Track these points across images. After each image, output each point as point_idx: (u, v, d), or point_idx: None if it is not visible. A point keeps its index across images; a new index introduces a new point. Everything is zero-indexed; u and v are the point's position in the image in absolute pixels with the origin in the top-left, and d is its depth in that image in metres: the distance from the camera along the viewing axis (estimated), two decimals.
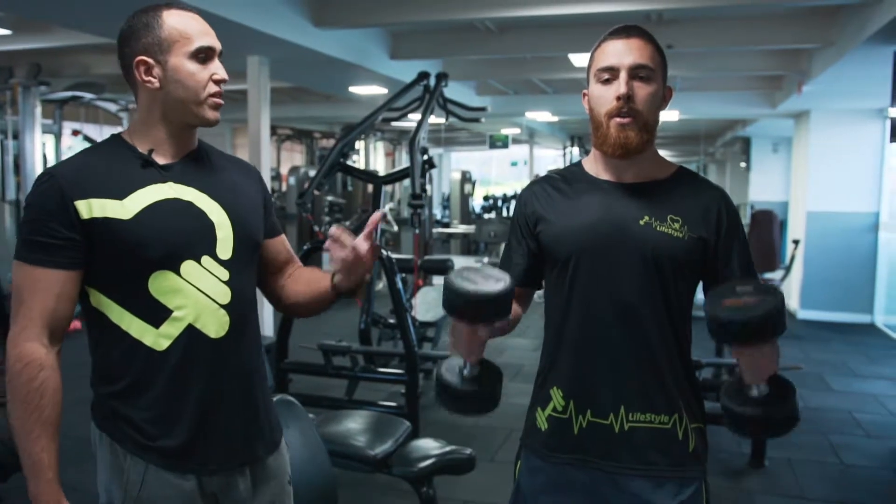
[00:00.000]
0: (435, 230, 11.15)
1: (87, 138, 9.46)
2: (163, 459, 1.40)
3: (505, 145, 11.92)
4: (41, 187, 1.36)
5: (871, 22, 4.36)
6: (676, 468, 1.53)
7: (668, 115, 9.56)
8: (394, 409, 4.19)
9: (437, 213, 14.30)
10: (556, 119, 11.25)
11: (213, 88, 1.41)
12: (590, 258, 1.53)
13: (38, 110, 6.78)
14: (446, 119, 5.83)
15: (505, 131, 12.87)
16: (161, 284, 1.37)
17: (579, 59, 6.57)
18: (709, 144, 16.42)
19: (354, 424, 2.99)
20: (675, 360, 1.54)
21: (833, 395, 5.51)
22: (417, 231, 4.83)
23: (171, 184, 1.42)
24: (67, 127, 8.56)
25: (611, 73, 1.48)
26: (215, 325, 1.42)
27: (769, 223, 8.17)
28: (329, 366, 4.56)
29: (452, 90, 6.96)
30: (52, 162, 8.19)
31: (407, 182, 4.95)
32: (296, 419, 2.39)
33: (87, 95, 7.31)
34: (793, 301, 8.67)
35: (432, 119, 5.20)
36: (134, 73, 1.40)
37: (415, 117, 5.20)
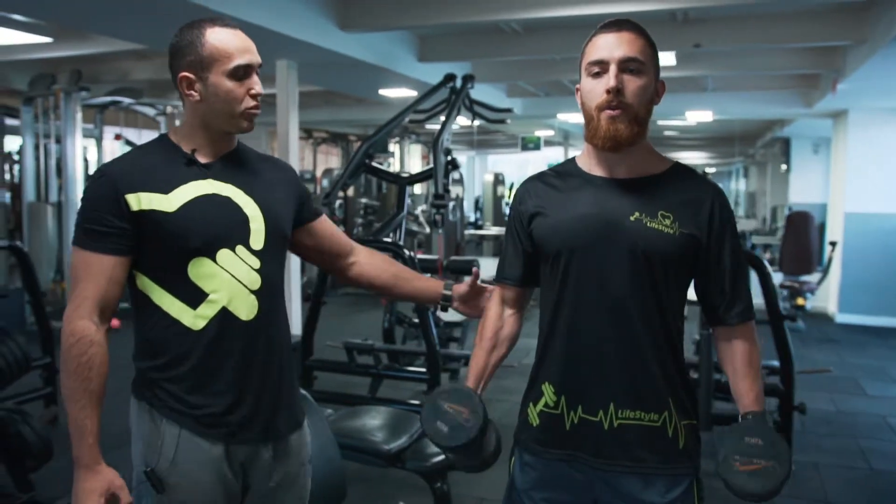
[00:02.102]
0: (467, 232, 11.17)
1: (128, 142, 9.73)
2: (196, 426, 1.53)
3: (537, 147, 11.88)
4: (97, 182, 1.51)
5: None
6: (666, 465, 1.53)
7: (702, 116, 9.43)
8: (416, 407, 4.23)
9: (470, 215, 14.31)
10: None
11: (249, 103, 1.55)
12: (580, 253, 1.53)
13: (79, 115, 6.99)
14: (472, 120, 5.86)
15: (538, 133, 12.83)
16: (199, 270, 1.51)
17: None
18: (747, 146, 16.11)
19: (371, 420, 3.03)
20: (666, 357, 1.53)
21: (867, 400, 5.38)
22: (441, 231, 4.86)
23: (210, 180, 1.56)
24: (108, 131, 8.82)
25: (601, 67, 1.48)
26: (246, 308, 1.55)
27: (805, 225, 8.03)
28: (353, 363, 4.63)
29: (482, 92, 7.00)
30: (94, 165, 8.44)
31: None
32: (307, 413, 2.45)
33: (126, 100, 7.53)
34: (830, 304, 8.49)
35: (465, 122, 5.23)
36: (179, 85, 1.55)
37: (461, 121, 5.21)
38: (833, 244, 8.15)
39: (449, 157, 4.84)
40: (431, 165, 4.84)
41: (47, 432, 3.37)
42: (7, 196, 7.80)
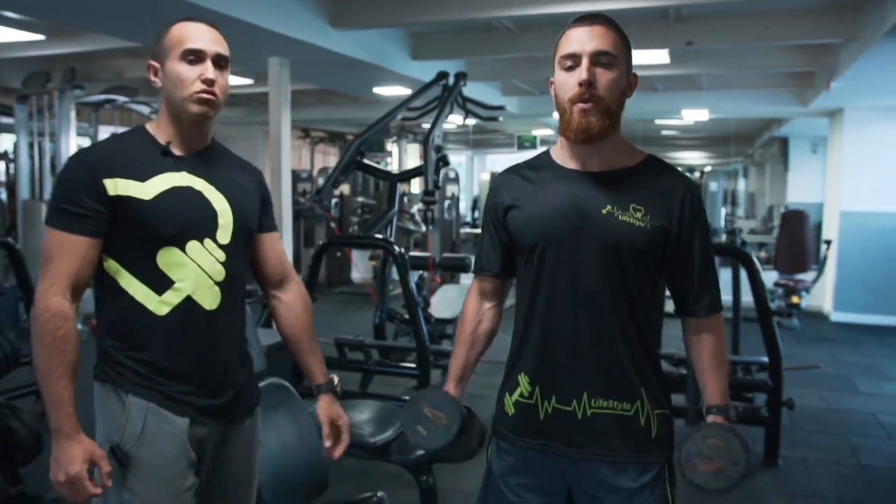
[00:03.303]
0: (463, 231, 11.19)
1: None
2: (163, 399, 1.58)
3: (533, 146, 11.89)
4: (74, 164, 1.58)
5: (893, 14, 4.27)
6: (638, 453, 1.56)
7: (698, 115, 9.44)
8: (402, 404, 4.24)
9: (467, 214, 14.32)
10: None
11: (198, 87, 1.57)
12: (554, 246, 1.56)
13: (73, 113, 6.99)
14: (465, 118, 5.87)
15: (535, 132, 12.84)
16: (168, 259, 1.57)
17: None
18: (746, 146, 16.12)
19: (358, 413, 3.03)
20: (637, 347, 1.56)
21: (858, 397, 5.38)
22: (430, 228, 4.86)
23: (184, 173, 1.62)
24: (104, 131, 8.82)
25: (573, 60, 1.50)
26: (209, 298, 1.62)
27: (800, 223, 8.03)
28: (343, 359, 4.65)
29: (477, 91, 7.01)
30: None
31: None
32: (288, 402, 2.46)
33: (121, 98, 7.51)
34: (826, 303, 8.49)
35: (458, 120, 5.23)
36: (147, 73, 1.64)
37: (456, 120, 5.22)
38: (828, 242, 8.15)
39: (440, 154, 4.84)
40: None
41: (37, 426, 3.39)
42: (2, 194, 7.80)
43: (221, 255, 1.63)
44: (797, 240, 7.94)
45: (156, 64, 1.61)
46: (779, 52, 6.56)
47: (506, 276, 1.71)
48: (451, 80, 5.46)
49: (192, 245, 1.59)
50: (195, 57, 1.57)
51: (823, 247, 8.20)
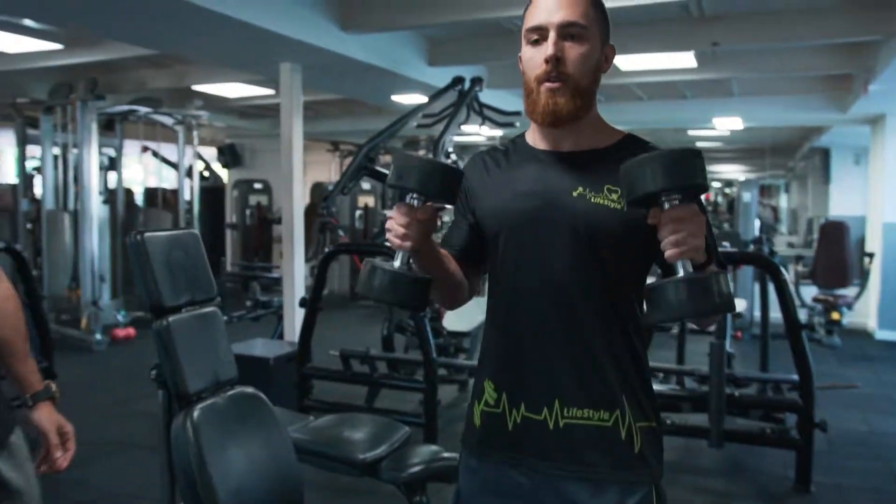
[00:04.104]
0: None
1: (155, 154, 9.81)
2: None
3: None
4: None
5: None
6: (618, 471, 1.36)
7: (730, 123, 9.14)
8: (405, 417, 4.09)
9: None
10: None
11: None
12: (518, 234, 1.40)
13: (94, 124, 7.02)
14: (481, 124, 5.71)
15: None
16: None
17: (625, 62, 6.34)
18: (786, 158, 15.64)
19: (351, 428, 2.89)
20: (618, 348, 1.38)
21: None
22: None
23: None
24: (129, 142, 8.92)
25: (539, 34, 1.36)
26: None
27: (840, 236, 7.67)
28: (348, 372, 4.51)
29: (497, 97, 6.84)
30: (113, 174, 8.48)
31: None
32: (258, 413, 2.29)
33: (143, 109, 7.54)
34: (870, 320, 8.08)
35: (477, 128, 5.07)
36: None
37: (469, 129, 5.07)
38: (870, 256, 7.77)
39: (451, 160, 4.68)
40: None
41: (31, 434, 3.30)
42: (28, 204, 7.87)
43: None
44: (836, 253, 7.59)
45: None
46: (812, 53, 6.25)
47: (471, 261, 1.52)
48: (466, 86, 5.30)
49: None
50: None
51: (866, 260, 7.82)
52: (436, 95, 5.31)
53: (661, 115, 8.76)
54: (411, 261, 1.34)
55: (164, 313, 2.10)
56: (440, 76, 6.27)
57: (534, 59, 1.36)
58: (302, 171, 5.77)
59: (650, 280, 1.27)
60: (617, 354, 1.37)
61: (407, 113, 5.18)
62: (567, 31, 1.33)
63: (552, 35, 1.33)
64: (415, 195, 1.31)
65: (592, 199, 1.35)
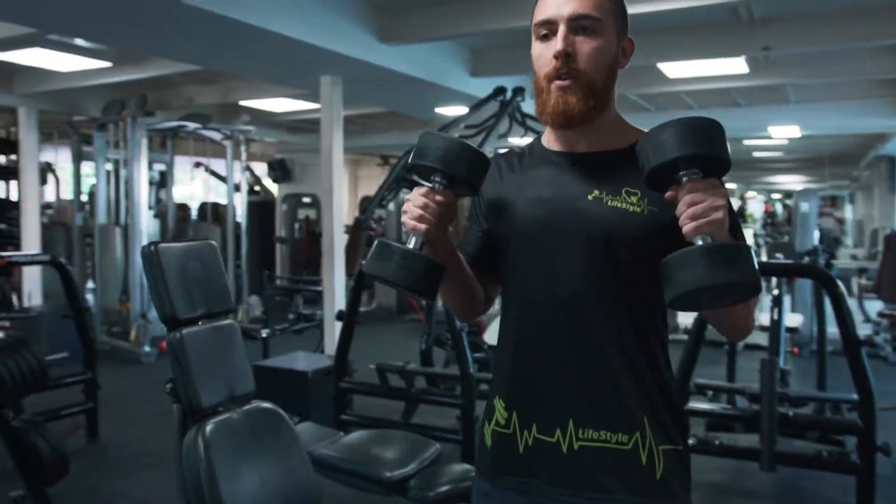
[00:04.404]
0: None
1: (208, 169, 10.00)
2: None
3: None
4: None
5: None
6: (638, 498, 1.25)
7: (787, 131, 8.80)
8: (447, 434, 3.99)
9: None
10: None
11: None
12: (529, 242, 1.31)
13: (144, 140, 7.17)
14: (524, 134, 5.61)
15: None
16: None
17: (672, 69, 6.15)
18: (850, 167, 15.05)
19: (380, 444, 2.83)
20: (638, 365, 1.27)
21: None
22: None
23: None
24: (179, 158, 9.11)
25: (549, 28, 1.27)
26: None
27: None
28: (384, 386, 4.43)
29: None
30: (164, 189, 8.66)
31: None
32: (274, 429, 2.24)
33: (191, 125, 7.68)
34: None
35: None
36: None
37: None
38: None
39: None
40: None
41: (62, 447, 3.33)
42: (83, 218, 8.08)
43: None
44: None
45: None
46: (872, 56, 5.96)
47: (485, 269, 1.43)
48: (508, 96, 5.22)
49: None
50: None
51: None
52: (476, 106, 5.24)
53: None
54: (424, 248, 1.26)
55: (178, 325, 2.07)
56: (483, 87, 6.19)
57: (543, 55, 1.27)
58: (343, 185, 5.75)
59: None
60: (636, 371, 1.26)
61: (447, 124, 5.12)
62: (578, 25, 1.24)
63: (562, 29, 1.24)
64: (437, 178, 1.23)
65: (609, 203, 1.26)
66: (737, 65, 5.85)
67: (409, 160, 1.27)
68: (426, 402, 4.35)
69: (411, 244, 1.24)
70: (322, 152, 5.62)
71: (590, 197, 1.27)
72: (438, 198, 1.23)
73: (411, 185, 4.97)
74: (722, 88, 6.88)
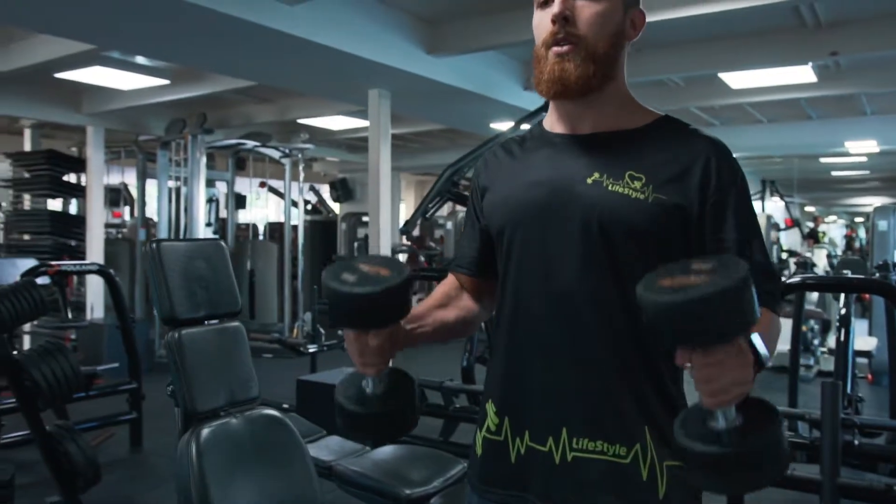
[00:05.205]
0: None
1: (271, 189, 10.18)
2: None
3: None
4: None
5: None
6: None
7: (867, 146, 8.32)
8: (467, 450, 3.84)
9: None
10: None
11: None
12: (523, 230, 1.19)
13: (203, 158, 7.34)
14: None
15: None
16: None
17: (735, 80, 5.88)
18: None
19: (405, 460, 2.73)
20: (638, 370, 1.13)
21: None
22: None
23: None
24: (248, 178, 9.31)
25: None
26: None
27: None
28: (423, 403, 4.32)
29: None
30: (225, 206, 8.84)
31: None
32: (279, 438, 2.14)
33: (250, 143, 7.82)
34: None
35: None
36: None
37: None
38: None
39: None
40: None
41: (93, 454, 3.34)
42: (146, 234, 8.31)
43: None
44: None
45: None
46: None
47: (486, 275, 1.31)
48: None
49: None
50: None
51: None
52: (524, 119, 5.09)
53: (784, 139, 8.11)
54: (383, 383, 1.14)
55: (179, 325, 2.01)
56: (538, 100, 6.07)
57: (542, 22, 1.17)
58: (390, 199, 5.70)
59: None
60: (636, 377, 1.13)
61: (493, 137, 5.00)
62: None
63: None
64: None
65: (610, 187, 1.12)
66: (804, 73, 5.54)
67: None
68: (465, 420, 4.21)
69: (369, 387, 1.13)
70: (370, 166, 5.59)
71: (589, 180, 1.14)
72: (371, 342, 1.10)
73: (455, 198, 4.88)
74: (790, 99, 6.55)
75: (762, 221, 8.81)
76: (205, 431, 1.91)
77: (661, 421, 1.12)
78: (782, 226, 11.79)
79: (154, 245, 2.00)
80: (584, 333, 1.13)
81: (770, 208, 12.32)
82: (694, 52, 5.28)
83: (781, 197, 12.13)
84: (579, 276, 1.13)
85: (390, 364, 1.16)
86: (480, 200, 1.30)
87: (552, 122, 1.24)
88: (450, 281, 1.35)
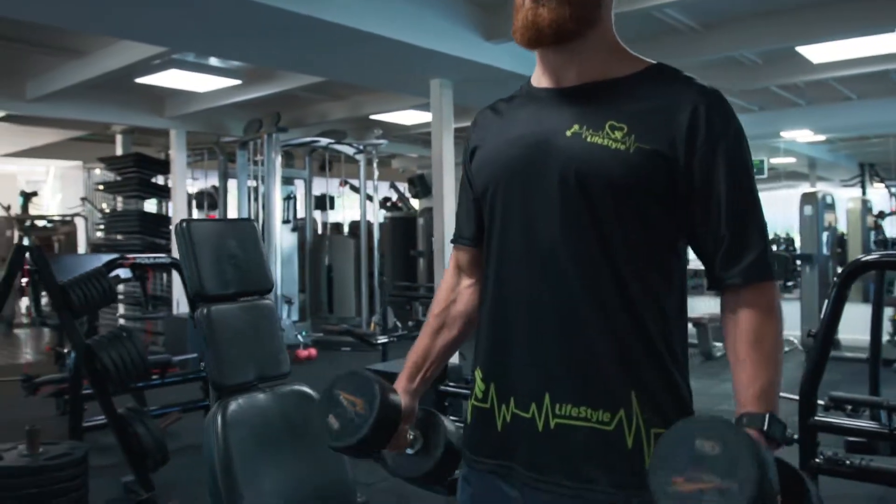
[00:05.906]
0: None
1: (353, 187, 10.36)
2: None
3: (759, 172, 10.56)
4: None
5: None
6: (621, 490, 1.05)
7: None
8: None
9: None
10: (821, 138, 9.63)
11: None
12: (504, 189, 1.16)
13: (279, 157, 7.54)
14: None
15: (776, 160, 11.38)
16: None
17: (816, 53, 5.54)
18: None
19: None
20: (623, 331, 1.08)
21: None
22: None
23: None
24: (326, 176, 9.49)
25: None
26: None
27: None
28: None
29: None
30: (299, 204, 9.06)
31: None
32: (310, 414, 2.15)
33: (323, 140, 7.98)
34: None
35: None
36: None
37: None
38: None
39: None
40: None
41: (161, 436, 3.48)
42: None
43: None
44: None
45: None
46: None
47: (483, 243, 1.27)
48: None
49: None
50: None
51: None
52: None
53: (877, 116, 7.58)
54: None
55: (208, 301, 2.06)
56: None
57: None
58: (454, 192, 5.68)
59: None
60: (622, 339, 1.07)
61: None
62: None
63: None
64: None
65: (589, 139, 1.07)
66: (893, 41, 5.15)
67: None
68: None
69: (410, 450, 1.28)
70: (433, 158, 5.59)
71: (568, 133, 1.09)
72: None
73: None
74: (881, 72, 6.10)
75: (857, 207, 8.27)
76: (232, 405, 1.94)
77: (652, 387, 1.06)
78: (887, 211, 11.01)
79: (184, 224, 2.05)
80: (569, 292, 1.08)
81: (870, 194, 11.55)
82: (765, 26, 5.01)
83: (883, 181, 11.34)
84: (562, 234, 1.08)
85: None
86: (470, 163, 1.26)
87: (538, 77, 1.19)
88: (444, 287, 1.33)
